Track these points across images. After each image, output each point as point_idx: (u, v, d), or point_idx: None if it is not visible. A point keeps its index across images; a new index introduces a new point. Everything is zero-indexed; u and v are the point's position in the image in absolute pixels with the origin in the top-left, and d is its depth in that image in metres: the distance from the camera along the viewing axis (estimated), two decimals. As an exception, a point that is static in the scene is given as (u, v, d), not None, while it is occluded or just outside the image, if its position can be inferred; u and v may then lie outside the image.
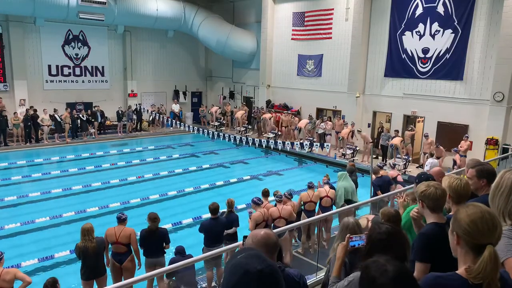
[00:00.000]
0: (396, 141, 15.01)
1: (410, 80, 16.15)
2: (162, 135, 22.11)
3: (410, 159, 15.17)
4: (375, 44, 17.24)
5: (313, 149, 17.14)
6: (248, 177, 14.57)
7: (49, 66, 20.50)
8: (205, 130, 19.54)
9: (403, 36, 16.12)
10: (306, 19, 19.79)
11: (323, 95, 19.32)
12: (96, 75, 22.13)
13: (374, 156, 15.40)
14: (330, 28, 18.82)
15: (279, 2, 20.97)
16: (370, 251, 2.38)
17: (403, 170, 14.51)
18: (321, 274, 5.77)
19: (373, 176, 9.15)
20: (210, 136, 18.87)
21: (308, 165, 17.06)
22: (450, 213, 3.00)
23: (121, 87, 23.01)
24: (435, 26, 15.09)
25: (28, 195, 11.78)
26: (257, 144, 17.96)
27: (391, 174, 10.02)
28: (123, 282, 4.11)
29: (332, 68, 18.96)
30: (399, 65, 16.37)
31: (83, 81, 21.71)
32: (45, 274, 7.51)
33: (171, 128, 22.06)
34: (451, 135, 14.81)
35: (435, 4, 14.98)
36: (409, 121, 16.72)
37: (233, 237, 7.23)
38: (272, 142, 17.58)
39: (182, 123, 21.64)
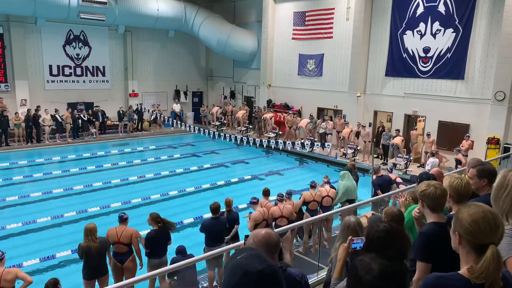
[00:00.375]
0: (397, 140, 14.98)
1: (411, 80, 16.12)
2: (163, 135, 22.11)
3: (412, 158, 15.15)
4: (376, 44, 17.22)
5: (314, 148, 17.14)
6: (249, 177, 14.57)
7: (50, 66, 20.50)
8: (206, 130, 19.56)
9: (404, 36, 16.09)
10: (306, 18, 19.77)
11: (324, 94, 19.30)
12: (97, 75, 22.14)
13: (375, 155, 15.40)
14: (331, 28, 18.79)
15: (279, 1, 20.95)
16: (369, 249, 2.37)
17: (404, 170, 14.50)
18: (322, 274, 5.77)
19: (374, 176, 9.15)
20: (211, 136, 18.89)
21: (309, 165, 17.04)
22: (451, 213, 2.99)
23: (122, 87, 23.03)
24: (436, 25, 15.06)
25: (29, 195, 11.80)
26: (258, 144, 17.97)
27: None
28: (124, 282, 4.11)
29: (333, 67, 18.94)
30: (400, 64, 16.34)
31: (84, 81, 21.71)
32: (47, 274, 7.53)
33: (172, 128, 22.09)
34: (452, 134, 14.78)
35: (436, 3, 14.94)
36: (410, 120, 16.70)
37: (235, 237, 7.23)
38: (273, 142, 17.57)
39: (183, 123, 21.66)
